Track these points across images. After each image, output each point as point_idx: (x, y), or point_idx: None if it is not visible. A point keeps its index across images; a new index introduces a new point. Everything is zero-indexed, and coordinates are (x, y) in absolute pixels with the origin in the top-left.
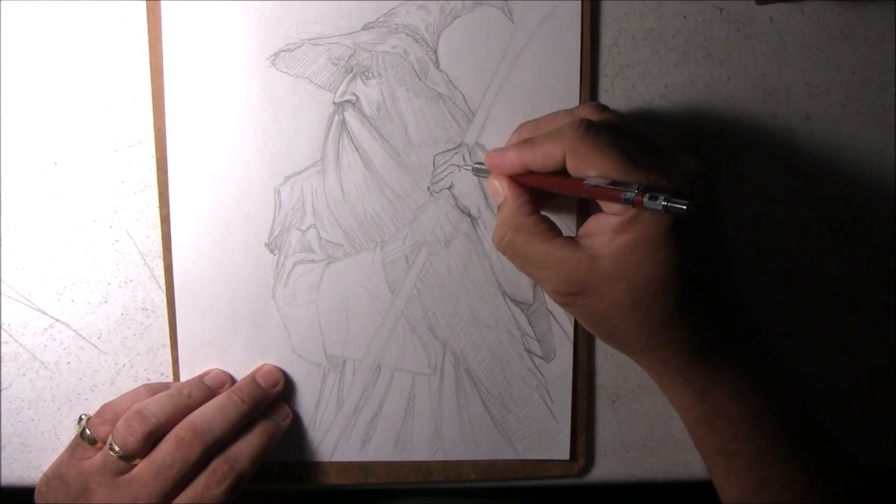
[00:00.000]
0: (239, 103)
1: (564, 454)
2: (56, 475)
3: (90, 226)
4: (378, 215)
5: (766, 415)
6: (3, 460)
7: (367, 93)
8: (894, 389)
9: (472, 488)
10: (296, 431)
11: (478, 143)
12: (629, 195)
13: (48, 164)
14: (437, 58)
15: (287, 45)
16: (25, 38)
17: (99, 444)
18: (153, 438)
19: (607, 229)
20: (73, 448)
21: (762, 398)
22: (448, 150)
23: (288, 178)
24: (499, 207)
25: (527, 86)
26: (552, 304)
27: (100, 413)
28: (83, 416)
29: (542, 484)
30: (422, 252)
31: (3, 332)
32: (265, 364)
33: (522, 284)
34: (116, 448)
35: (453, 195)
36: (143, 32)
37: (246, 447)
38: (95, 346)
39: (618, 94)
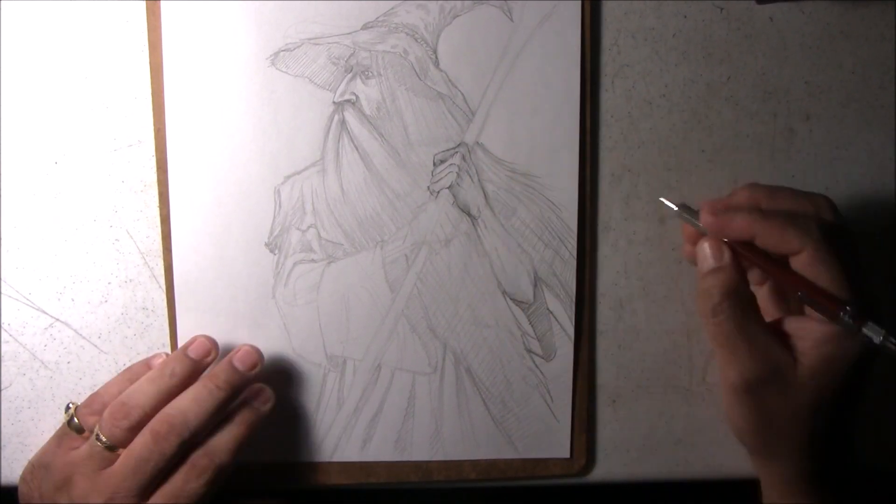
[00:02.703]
0: (239, 103)
1: (565, 453)
2: (41, 464)
3: (90, 225)
4: (378, 215)
5: None
6: (3, 460)
7: (367, 92)
8: (894, 389)
9: (473, 488)
10: (296, 431)
11: (478, 143)
12: (848, 319)
13: (48, 164)
14: (436, 57)
15: (287, 44)
16: (25, 38)
17: (86, 434)
18: (139, 428)
19: (812, 335)
20: (59, 437)
21: None
22: (448, 150)
23: (288, 177)
24: (713, 270)
25: (526, 85)
26: (552, 304)
27: (87, 402)
28: (70, 405)
29: (543, 484)
30: (422, 251)
31: (3, 331)
32: (243, 346)
33: (522, 284)
34: (103, 438)
35: (453, 195)
36: (143, 32)
37: (225, 438)
38: (95, 346)
39: (618, 94)
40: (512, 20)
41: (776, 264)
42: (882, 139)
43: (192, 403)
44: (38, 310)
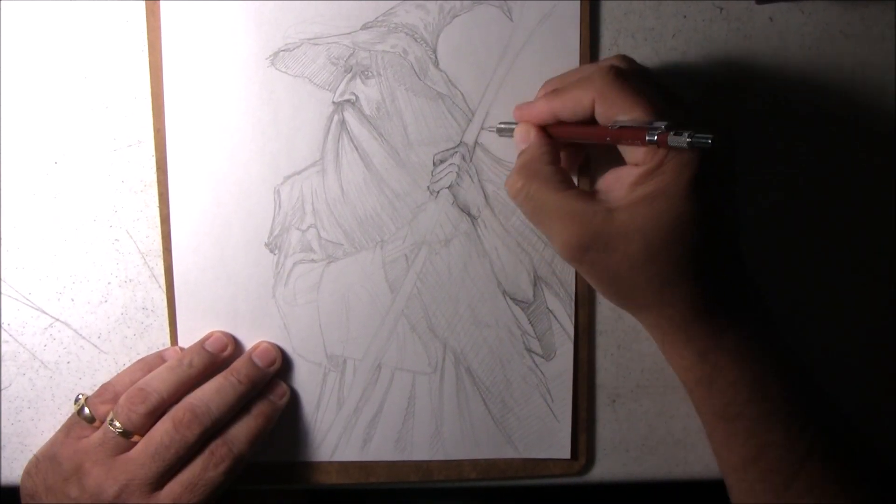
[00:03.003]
0: (238, 103)
1: (565, 453)
2: (47, 456)
3: (90, 225)
4: (378, 215)
5: (767, 379)
6: (3, 460)
7: (367, 92)
8: (894, 389)
9: (473, 487)
10: (297, 431)
11: (477, 143)
12: (654, 135)
13: (48, 164)
14: (436, 57)
15: (286, 44)
16: (25, 37)
17: (97, 423)
18: (157, 414)
19: (626, 182)
20: (68, 427)
21: (764, 362)
22: (448, 150)
23: (287, 177)
24: (519, 155)
25: (526, 85)
26: (552, 303)
27: (99, 392)
28: (81, 396)
29: (543, 483)
30: (422, 251)
31: (3, 331)
32: (262, 342)
33: (522, 283)
34: (118, 424)
35: (453, 194)
36: (142, 32)
37: (244, 429)
38: (95, 346)
39: None
40: (511, 20)
41: (584, 127)
42: (882, 139)
43: (214, 394)
44: (37, 310)
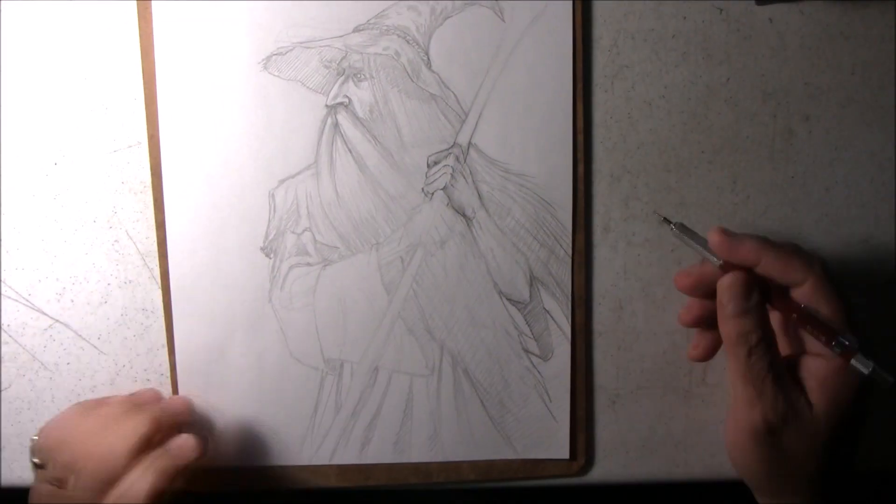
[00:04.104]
0: (232, 107)
1: (564, 453)
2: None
3: (90, 226)
4: (373, 217)
5: None
6: (3, 460)
7: (360, 95)
8: (894, 389)
9: (472, 489)
10: (295, 435)
11: (471, 144)
12: (840, 346)
13: (48, 165)
14: (428, 59)
15: (278, 48)
16: (25, 39)
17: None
18: None
19: (820, 372)
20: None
21: None
22: (441, 151)
23: (282, 181)
24: (746, 311)
25: (519, 85)
26: (549, 303)
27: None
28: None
29: (542, 484)
30: (417, 253)
31: (2, 332)
32: (184, 436)
33: (518, 284)
34: (48, 466)
35: (447, 196)
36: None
37: (138, 485)
38: (95, 347)
39: (617, 95)
40: (503, 20)
41: (777, 291)
42: (882, 139)
43: (132, 484)
44: (37, 311)
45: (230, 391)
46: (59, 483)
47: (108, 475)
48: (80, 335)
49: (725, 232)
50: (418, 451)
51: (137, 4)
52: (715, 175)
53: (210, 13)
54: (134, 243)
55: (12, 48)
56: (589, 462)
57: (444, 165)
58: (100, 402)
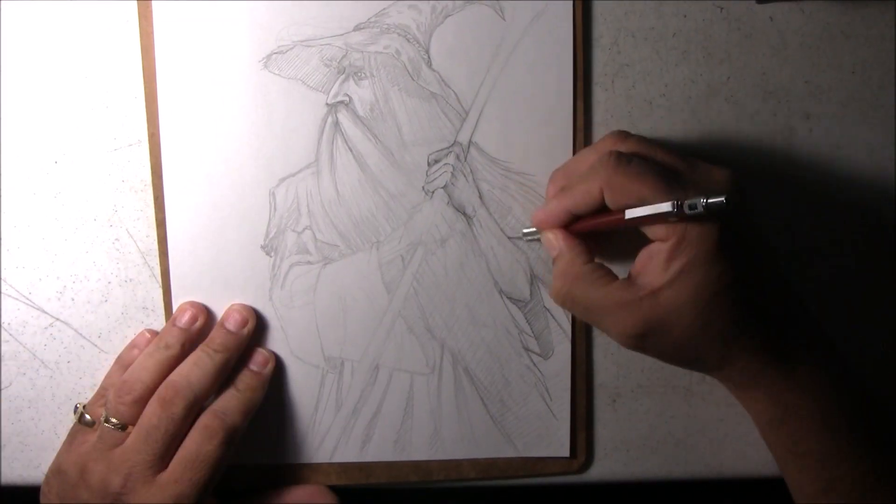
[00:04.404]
0: (232, 106)
1: (564, 451)
2: (54, 470)
3: (90, 224)
4: (373, 216)
5: (835, 414)
6: (3, 460)
7: (360, 93)
8: (894, 389)
9: (473, 487)
10: (295, 433)
11: (472, 142)
12: (671, 212)
13: (48, 163)
14: (429, 57)
15: (279, 47)
16: (25, 37)
17: (96, 426)
18: (143, 402)
19: (659, 258)
20: (71, 437)
21: (831, 398)
22: (442, 149)
23: (282, 179)
24: (554, 261)
25: (520, 83)
26: (549, 302)
27: (94, 398)
28: (78, 405)
29: (542, 482)
30: (418, 252)
31: (3, 331)
32: (232, 306)
33: (519, 282)
34: (112, 419)
35: (448, 194)
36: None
37: (233, 401)
38: (96, 346)
39: (618, 94)
40: (504, 19)
41: (601, 218)
42: (882, 139)
43: (193, 367)
44: (38, 309)
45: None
46: (124, 425)
47: (196, 407)
48: (80, 334)
49: (536, 211)
50: (419, 449)
51: (138, 3)
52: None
53: (210, 12)
54: (134, 242)
55: (12, 48)
56: (589, 460)
57: (445, 164)
58: (155, 346)
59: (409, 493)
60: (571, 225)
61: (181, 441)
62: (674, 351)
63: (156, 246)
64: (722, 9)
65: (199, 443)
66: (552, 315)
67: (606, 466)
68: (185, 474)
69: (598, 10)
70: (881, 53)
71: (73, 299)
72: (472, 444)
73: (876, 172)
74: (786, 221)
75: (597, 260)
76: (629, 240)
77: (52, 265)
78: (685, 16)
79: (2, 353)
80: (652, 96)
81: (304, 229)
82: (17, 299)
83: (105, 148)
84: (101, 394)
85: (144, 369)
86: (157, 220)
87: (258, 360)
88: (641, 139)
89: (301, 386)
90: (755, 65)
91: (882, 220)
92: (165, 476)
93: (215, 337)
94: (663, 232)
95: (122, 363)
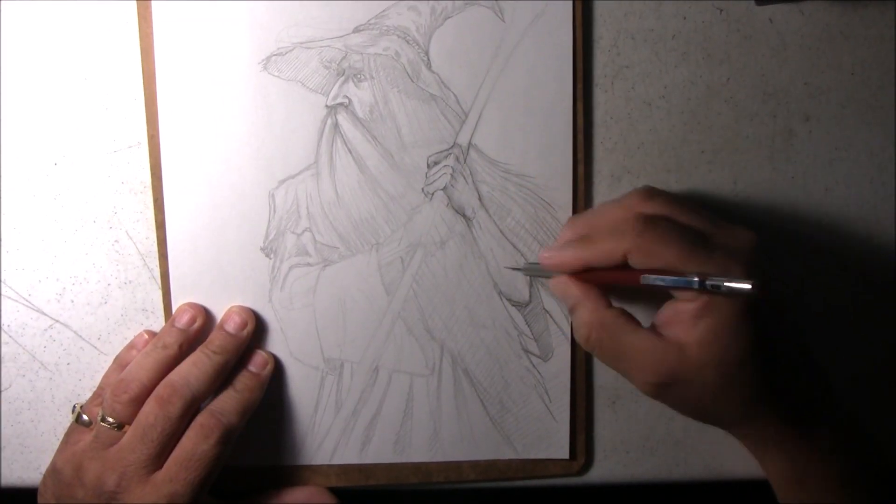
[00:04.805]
0: (232, 108)
1: (564, 453)
2: (50, 471)
3: (90, 226)
4: (373, 217)
5: (853, 478)
6: (3, 461)
7: (360, 95)
8: (894, 390)
9: (472, 489)
10: (295, 435)
11: (471, 144)
12: (694, 284)
13: (48, 165)
14: (428, 59)
15: (278, 48)
16: (25, 38)
17: (93, 426)
18: (141, 400)
19: (686, 316)
20: (67, 436)
21: (851, 461)
22: (441, 151)
23: (282, 181)
24: (571, 309)
25: (519, 85)
26: (549, 304)
27: (92, 397)
28: (76, 405)
29: (542, 484)
30: (417, 253)
31: (2, 332)
32: (231, 308)
33: (518, 284)
34: (109, 418)
35: (447, 196)
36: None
37: (230, 401)
38: (95, 347)
39: (617, 95)
40: (503, 20)
41: (620, 274)
42: (882, 139)
43: (192, 367)
44: (37, 311)
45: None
46: (120, 424)
47: (193, 407)
48: (80, 335)
49: (548, 253)
50: (418, 450)
51: (137, 4)
52: (715, 175)
53: (210, 13)
54: (134, 244)
55: (12, 48)
56: (589, 462)
57: (444, 166)
58: (153, 346)
59: (408, 495)
60: (583, 274)
61: (177, 441)
62: (694, 405)
63: (155, 248)
64: (721, 10)
65: (196, 442)
66: (551, 317)
67: (606, 468)
68: (181, 473)
69: (598, 11)
70: (881, 54)
71: (72, 301)
72: (471, 445)
73: (876, 172)
74: (786, 222)
75: (616, 307)
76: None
77: (51, 267)
78: (685, 17)
79: (1, 355)
80: (651, 98)
81: (303, 231)
82: (16, 301)
83: (105, 150)
84: (99, 393)
85: (142, 368)
86: (156, 221)
87: (257, 362)
88: (668, 199)
89: (301, 387)
90: (755, 66)
91: (882, 221)
92: (161, 475)
93: (215, 339)
94: (689, 293)
95: (121, 363)
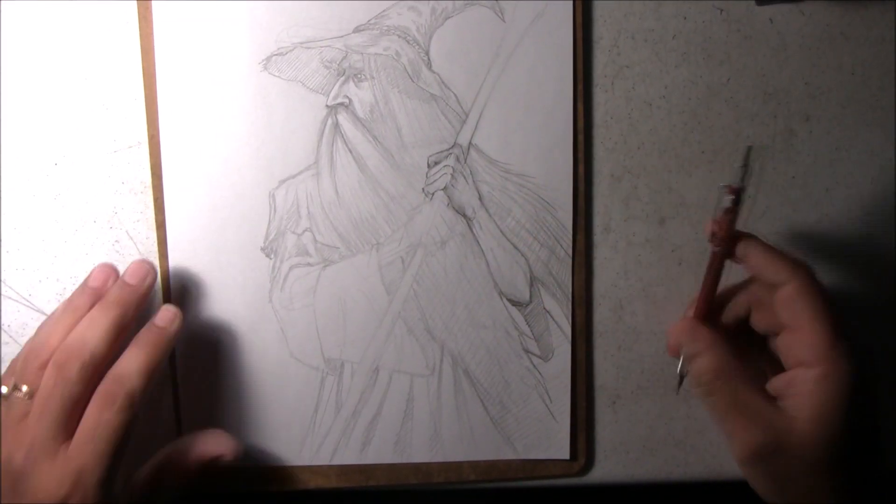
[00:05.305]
0: (232, 108)
1: (564, 454)
2: None
3: (90, 226)
4: (373, 217)
5: None
6: None
7: (360, 95)
8: (895, 390)
9: (473, 489)
10: (295, 435)
11: (472, 144)
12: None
13: (48, 165)
14: (429, 59)
15: (279, 48)
16: (25, 37)
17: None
18: None
19: (802, 387)
20: None
21: None
22: (442, 151)
23: (282, 181)
24: (695, 356)
25: (519, 85)
26: (549, 303)
27: (6, 370)
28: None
29: (542, 484)
30: (417, 253)
31: (3, 332)
32: (133, 261)
33: (519, 284)
34: (23, 388)
35: (448, 196)
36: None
37: (130, 362)
38: None
39: (618, 95)
40: (504, 20)
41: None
42: (882, 139)
43: (87, 328)
44: (38, 311)
45: (230, 391)
46: (32, 393)
47: (92, 368)
48: None
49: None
50: (419, 451)
51: (138, 4)
52: (715, 175)
53: (210, 13)
54: (134, 244)
55: (12, 48)
56: (589, 462)
57: (445, 166)
58: (64, 309)
59: (408, 495)
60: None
61: (84, 410)
62: (782, 481)
63: (156, 248)
64: (722, 10)
65: (99, 411)
66: (552, 317)
67: (606, 468)
68: (87, 445)
69: (598, 11)
70: (881, 54)
71: None
72: (471, 446)
73: (876, 172)
74: (786, 222)
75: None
76: None
77: (52, 267)
78: (685, 17)
79: (2, 355)
80: (652, 98)
81: (303, 231)
82: (17, 301)
83: (105, 150)
84: (13, 365)
85: (52, 334)
86: (156, 221)
87: (163, 317)
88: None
89: (301, 388)
90: (755, 66)
91: (882, 221)
92: (69, 450)
93: (111, 291)
94: (810, 354)
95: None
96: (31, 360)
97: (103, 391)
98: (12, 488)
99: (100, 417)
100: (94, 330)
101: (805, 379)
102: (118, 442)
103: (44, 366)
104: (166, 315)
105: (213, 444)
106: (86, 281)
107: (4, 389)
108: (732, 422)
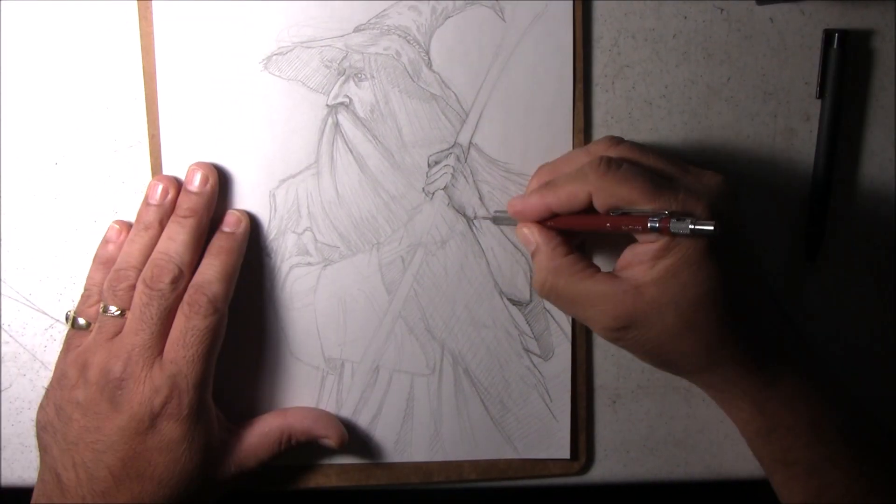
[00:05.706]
0: (232, 107)
1: (564, 453)
2: (54, 381)
3: (90, 226)
4: (373, 217)
5: (823, 422)
6: (3, 460)
7: (360, 95)
8: (895, 390)
9: (473, 488)
10: None
11: (472, 143)
12: (655, 223)
13: (48, 165)
14: (429, 58)
15: (279, 48)
16: (25, 37)
17: (92, 326)
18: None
19: (645, 258)
20: (67, 344)
21: (819, 406)
22: (442, 151)
23: (283, 181)
24: (533, 254)
25: (520, 85)
26: (549, 303)
27: (81, 301)
28: (69, 312)
29: (542, 484)
30: (418, 253)
31: (3, 332)
32: (190, 166)
33: (519, 283)
34: (111, 308)
35: (448, 195)
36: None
37: (210, 270)
38: None
39: (618, 94)
40: (504, 20)
41: (584, 218)
42: (882, 139)
43: (168, 242)
44: (38, 311)
45: (230, 391)
46: (123, 311)
47: (182, 278)
48: None
49: (514, 200)
50: (419, 450)
51: (138, 4)
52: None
53: (211, 13)
54: None
55: (12, 48)
56: (589, 461)
57: (445, 165)
58: (136, 230)
59: (409, 495)
60: (548, 220)
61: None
62: (653, 350)
63: None
64: (722, 10)
65: (187, 318)
66: (552, 316)
67: (607, 468)
68: (179, 352)
69: (598, 10)
70: (881, 54)
71: (73, 301)
72: (472, 445)
73: (876, 172)
74: (784, 221)
75: (575, 252)
76: (605, 235)
77: (52, 267)
78: (685, 17)
79: (2, 355)
80: (652, 97)
81: (304, 231)
82: (17, 301)
83: (105, 149)
84: (87, 295)
85: (131, 255)
86: None
87: (229, 221)
88: (633, 145)
89: (301, 387)
90: (755, 66)
91: (882, 221)
92: (165, 356)
93: (181, 202)
94: (651, 234)
95: (100, 261)
96: (117, 284)
97: (188, 301)
98: (110, 400)
99: (188, 325)
100: (175, 243)
101: (647, 249)
102: (208, 346)
103: (132, 287)
104: (231, 219)
105: (324, 426)
106: (146, 199)
107: (82, 321)
108: (581, 314)
